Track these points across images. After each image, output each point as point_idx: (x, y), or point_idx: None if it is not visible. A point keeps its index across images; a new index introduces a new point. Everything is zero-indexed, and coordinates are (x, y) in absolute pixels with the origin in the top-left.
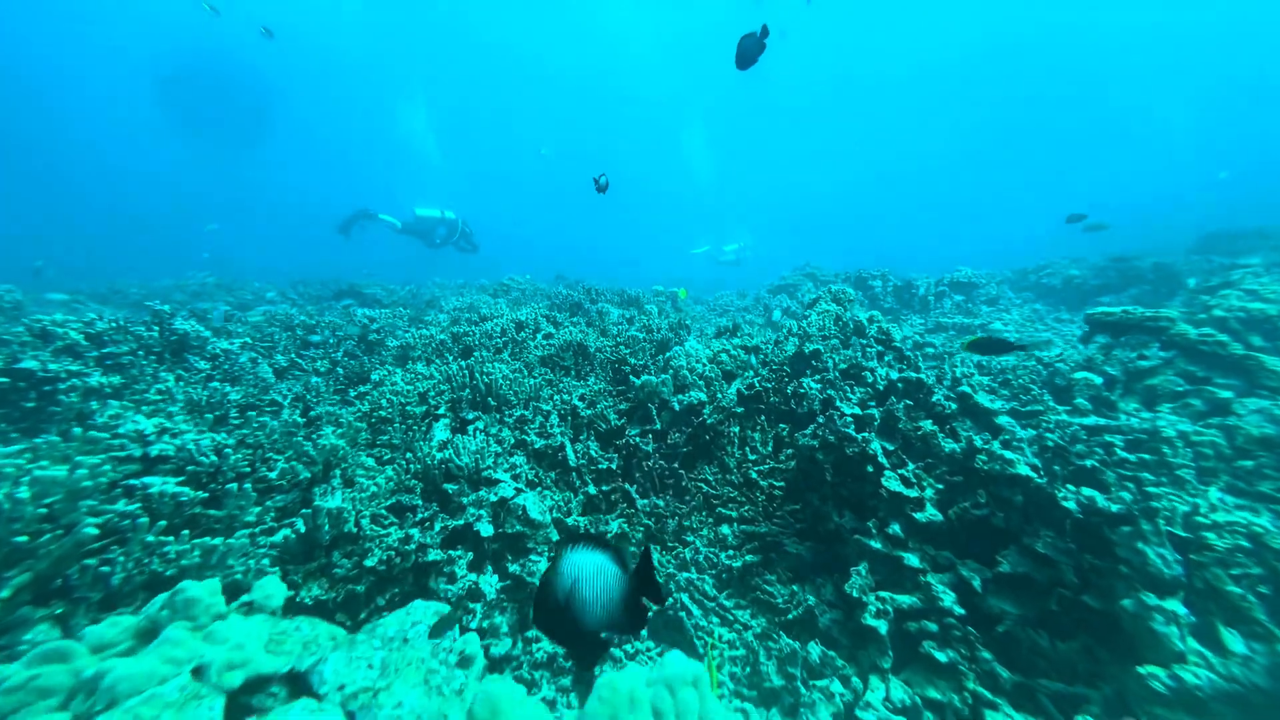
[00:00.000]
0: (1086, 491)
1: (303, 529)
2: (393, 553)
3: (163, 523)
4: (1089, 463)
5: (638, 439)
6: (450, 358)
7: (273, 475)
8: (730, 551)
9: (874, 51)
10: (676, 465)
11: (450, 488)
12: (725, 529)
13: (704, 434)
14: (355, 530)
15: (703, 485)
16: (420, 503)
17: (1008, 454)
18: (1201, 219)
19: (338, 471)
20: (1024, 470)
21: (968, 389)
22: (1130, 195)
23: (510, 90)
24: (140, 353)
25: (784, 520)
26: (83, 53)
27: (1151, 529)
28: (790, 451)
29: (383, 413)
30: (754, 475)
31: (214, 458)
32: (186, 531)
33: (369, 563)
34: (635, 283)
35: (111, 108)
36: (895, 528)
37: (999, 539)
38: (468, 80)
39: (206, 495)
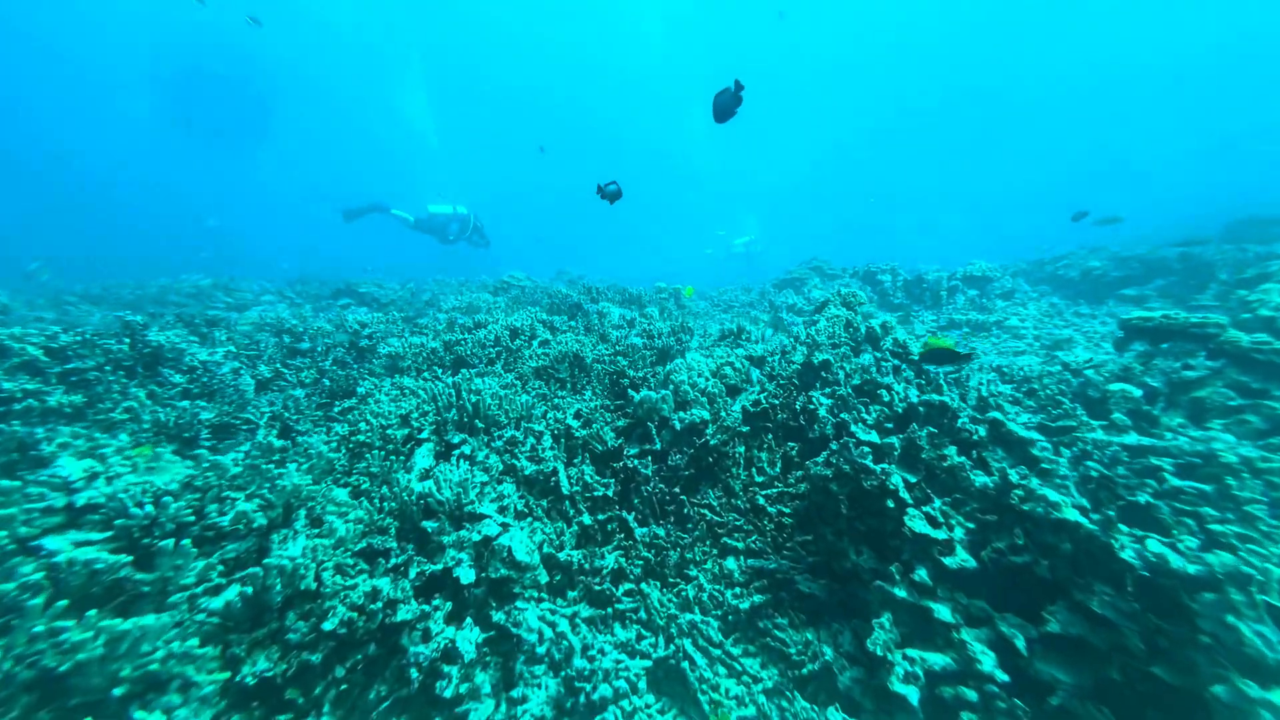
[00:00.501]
0: (1155, 547)
1: (249, 591)
2: (355, 613)
3: (62, 602)
4: (1142, 498)
5: (636, 461)
6: (440, 371)
7: (224, 521)
8: (737, 589)
9: (878, 44)
10: (678, 490)
11: (430, 525)
12: (731, 563)
13: (707, 455)
14: (315, 585)
15: (706, 512)
16: (394, 545)
17: (1051, 494)
18: (1214, 209)
19: (302, 512)
20: (1072, 515)
21: (999, 415)
22: (1138, 190)
23: (511, 84)
24: (107, 368)
25: (795, 553)
26: (80, 50)
27: (1245, 600)
28: (800, 474)
29: (362, 437)
30: (761, 501)
31: (150, 508)
32: (94, 611)
33: (328, 625)
34: (641, 272)
35: (109, 104)
36: (922, 574)
37: (1042, 589)
38: (469, 74)
39: (131, 559)
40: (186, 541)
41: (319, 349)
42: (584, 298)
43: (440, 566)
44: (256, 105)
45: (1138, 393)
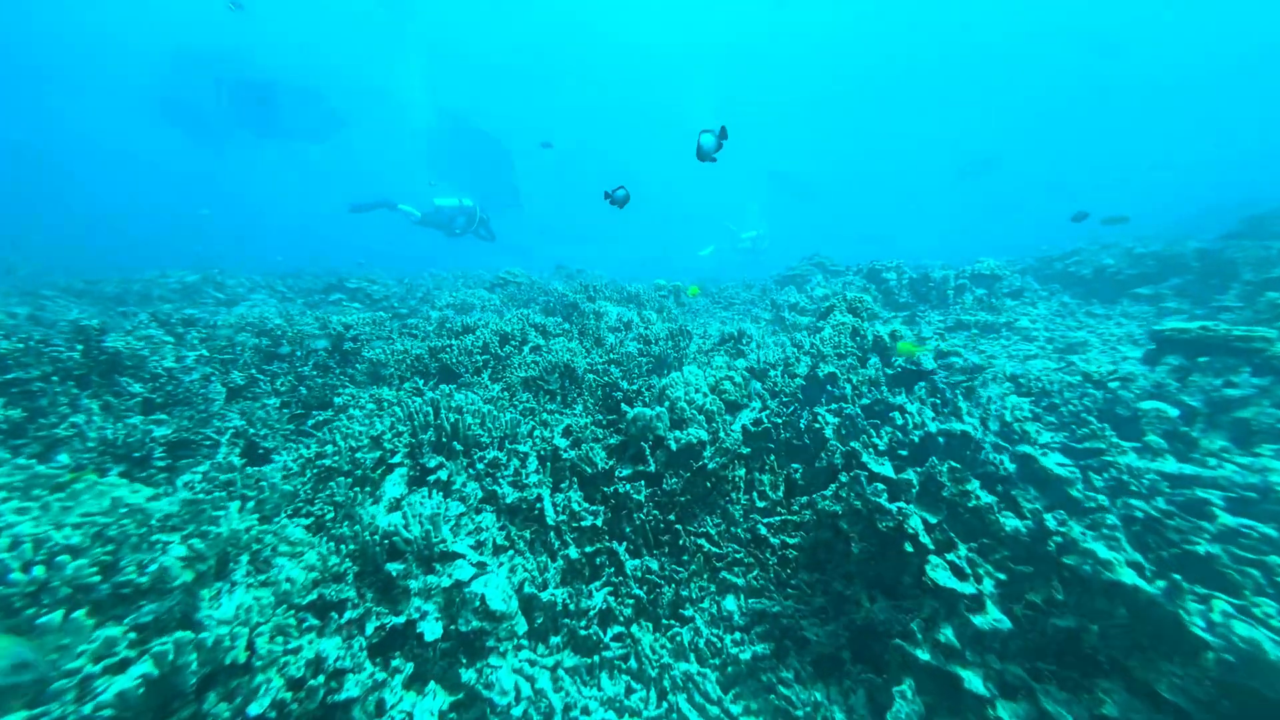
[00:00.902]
0: (1242, 630)
1: (155, 674)
2: (290, 694)
3: None
4: (1200, 547)
5: (628, 486)
6: (422, 382)
7: (144, 580)
8: (737, 635)
9: (881, 38)
10: (673, 517)
11: (395, 568)
12: (730, 602)
13: (705, 480)
14: (246, 655)
15: (703, 542)
16: (353, 594)
17: (1100, 549)
18: (1215, 209)
19: (244, 558)
20: (1128, 576)
21: (1028, 448)
22: (1136, 193)
23: (511, 80)
24: (55, 378)
25: (800, 592)
26: (78, 41)
27: None
28: (805, 500)
29: (329, 461)
30: (763, 530)
31: (39, 570)
32: None
33: (255, 709)
34: (641, 268)
35: (107, 97)
36: (948, 633)
37: (1092, 659)
38: (470, 67)
39: None
40: (80, 612)
41: (299, 354)
42: (580, 296)
43: (403, 619)
44: (255, 98)
45: (1174, 412)
